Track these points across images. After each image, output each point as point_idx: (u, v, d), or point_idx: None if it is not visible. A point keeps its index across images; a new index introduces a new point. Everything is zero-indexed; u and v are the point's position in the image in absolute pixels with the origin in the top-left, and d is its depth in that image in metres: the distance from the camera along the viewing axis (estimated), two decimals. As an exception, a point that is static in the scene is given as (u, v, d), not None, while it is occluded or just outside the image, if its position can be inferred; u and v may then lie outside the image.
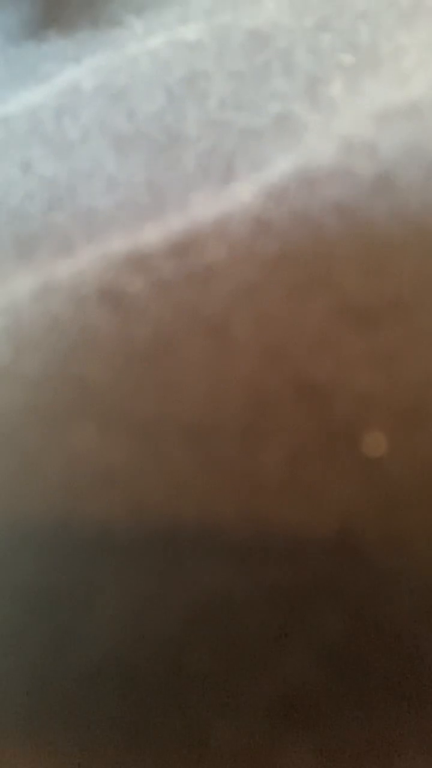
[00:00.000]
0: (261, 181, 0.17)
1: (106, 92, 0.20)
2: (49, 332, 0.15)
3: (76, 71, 0.21)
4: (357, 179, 0.17)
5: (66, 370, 0.15)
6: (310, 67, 0.20)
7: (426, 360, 0.15)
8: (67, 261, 0.16)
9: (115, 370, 0.15)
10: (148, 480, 0.14)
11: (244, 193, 0.17)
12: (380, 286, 0.15)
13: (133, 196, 0.17)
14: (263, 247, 0.16)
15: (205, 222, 0.16)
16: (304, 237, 0.16)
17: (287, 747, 0.12)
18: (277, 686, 0.13)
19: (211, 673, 0.13)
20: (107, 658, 0.13)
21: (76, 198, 0.18)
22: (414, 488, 0.13)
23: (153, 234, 0.16)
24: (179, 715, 0.12)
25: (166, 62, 0.21)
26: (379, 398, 0.14)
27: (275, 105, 0.19)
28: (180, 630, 0.13)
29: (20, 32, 0.22)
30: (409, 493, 0.13)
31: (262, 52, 0.21)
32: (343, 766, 0.12)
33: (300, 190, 0.17)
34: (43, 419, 0.14)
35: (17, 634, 0.13)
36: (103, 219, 0.17)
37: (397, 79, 0.19)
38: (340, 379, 0.14)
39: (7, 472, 0.14)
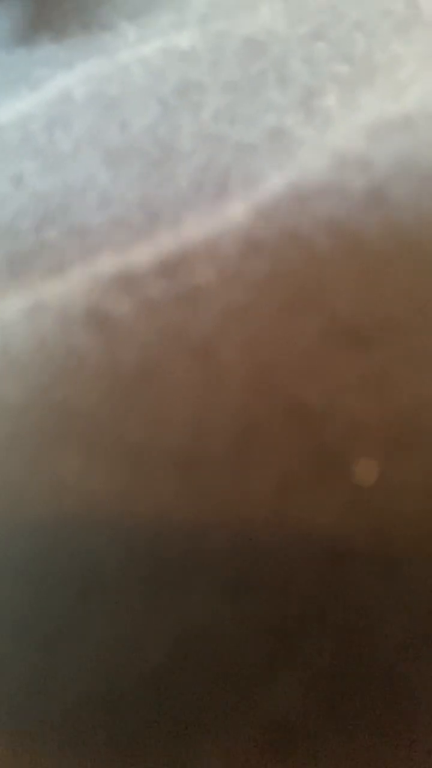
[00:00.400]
0: (253, 198, 0.17)
1: (99, 102, 0.20)
2: (36, 355, 0.15)
3: (68, 78, 0.21)
4: (349, 195, 0.17)
5: (51, 396, 0.15)
6: (305, 78, 0.20)
7: (417, 382, 0.14)
8: (57, 280, 0.16)
9: (101, 395, 0.14)
10: (136, 509, 0.14)
11: (236, 212, 0.16)
12: (372, 305, 0.15)
13: (125, 213, 0.17)
14: (253, 267, 0.16)
15: (195, 242, 0.16)
16: (295, 256, 0.16)
17: None
18: (264, 715, 0.13)
19: (199, 701, 0.13)
20: (95, 688, 0.13)
21: (69, 214, 0.18)
22: (403, 516, 0.13)
23: (143, 253, 0.16)
24: (167, 743, 0.12)
25: (159, 71, 0.20)
26: (370, 423, 0.14)
27: (270, 117, 0.19)
28: (168, 658, 0.13)
29: (12, 38, 0.21)
30: (399, 522, 0.13)
31: (257, 61, 0.20)
32: None
33: (292, 208, 0.16)
34: (28, 446, 0.14)
35: (4, 663, 0.13)
36: (95, 236, 0.17)
37: (391, 92, 0.19)
38: (330, 403, 0.14)
39: None
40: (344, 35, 0.21)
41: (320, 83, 0.20)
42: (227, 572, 0.13)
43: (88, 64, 0.21)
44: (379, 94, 0.19)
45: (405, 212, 0.16)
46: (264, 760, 0.12)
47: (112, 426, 0.14)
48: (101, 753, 0.12)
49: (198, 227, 0.16)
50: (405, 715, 0.13)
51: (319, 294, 0.15)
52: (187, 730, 0.12)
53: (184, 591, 0.13)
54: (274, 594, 0.13)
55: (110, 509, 0.14)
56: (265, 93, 0.20)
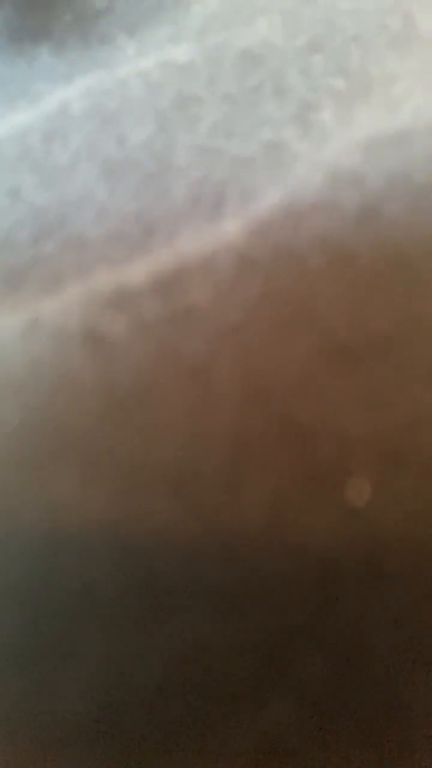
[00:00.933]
0: (248, 214, 0.17)
1: (96, 116, 0.20)
2: (31, 374, 0.15)
3: (66, 92, 0.21)
4: (343, 211, 0.17)
5: (46, 414, 0.15)
6: (301, 91, 0.20)
7: (411, 400, 0.15)
8: (53, 297, 0.16)
9: (96, 414, 0.15)
10: (130, 527, 0.14)
11: (230, 229, 0.17)
12: (365, 322, 0.15)
13: (122, 227, 0.17)
14: (248, 285, 0.16)
15: (190, 258, 0.16)
16: (288, 274, 0.16)
17: None
18: (259, 731, 0.13)
19: (193, 717, 0.13)
20: (90, 707, 0.13)
21: (66, 227, 0.18)
22: (395, 535, 0.13)
23: (139, 270, 0.16)
24: (161, 762, 0.13)
25: (156, 85, 0.21)
26: (363, 441, 0.14)
27: (266, 131, 0.19)
28: (163, 675, 0.13)
29: (10, 50, 0.22)
30: (391, 540, 0.13)
31: (254, 74, 0.21)
32: None
33: (286, 224, 0.17)
34: (23, 465, 0.14)
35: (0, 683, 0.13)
36: (91, 250, 0.17)
37: (386, 107, 0.19)
38: (324, 422, 0.14)
39: None
40: (340, 49, 0.21)
41: (316, 97, 0.20)
42: (221, 589, 0.13)
43: (86, 77, 0.21)
44: (374, 110, 0.19)
45: (398, 229, 0.16)
46: None
47: (107, 444, 0.14)
48: (101, 763, 0.13)
49: (193, 243, 0.17)
50: (398, 732, 0.13)
51: (313, 312, 0.15)
52: (180, 748, 0.13)
53: (178, 609, 0.13)
54: (266, 610, 0.13)
55: (105, 527, 0.14)
56: (262, 106, 0.20)
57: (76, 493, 0.14)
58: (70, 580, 0.13)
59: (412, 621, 0.13)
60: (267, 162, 0.18)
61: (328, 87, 0.20)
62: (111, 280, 0.16)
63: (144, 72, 0.21)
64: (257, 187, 0.18)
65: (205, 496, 0.14)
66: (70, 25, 0.22)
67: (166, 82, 0.21)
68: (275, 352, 0.15)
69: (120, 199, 0.18)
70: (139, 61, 0.21)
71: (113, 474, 0.14)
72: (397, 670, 0.13)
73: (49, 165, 0.19)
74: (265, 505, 0.14)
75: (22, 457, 0.15)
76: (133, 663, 0.13)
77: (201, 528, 0.14)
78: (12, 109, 0.21)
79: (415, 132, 0.18)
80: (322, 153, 0.18)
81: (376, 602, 0.13)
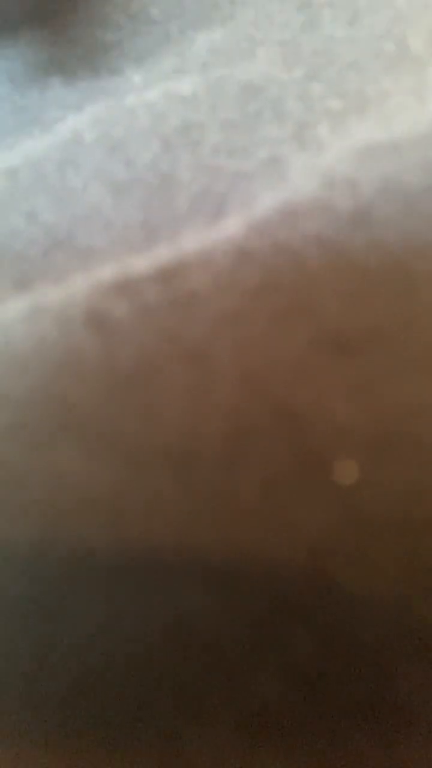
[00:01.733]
0: (247, 215, 0.18)
1: (106, 143, 0.21)
2: (35, 353, 0.16)
3: (78, 121, 0.22)
4: (337, 212, 0.18)
5: (50, 391, 0.15)
6: (300, 114, 0.21)
7: (400, 390, 0.15)
8: (58, 286, 0.17)
9: (98, 392, 0.15)
10: (129, 501, 0.14)
11: (229, 226, 0.17)
12: (357, 316, 0.16)
13: (127, 233, 0.18)
14: (246, 276, 0.16)
15: (191, 252, 0.17)
16: (285, 267, 0.16)
17: (255, 763, 0.13)
18: (247, 703, 0.13)
19: (184, 687, 0.13)
20: (86, 671, 0.13)
21: (75, 240, 0.19)
22: (383, 516, 0.14)
23: (141, 262, 0.17)
24: (153, 730, 0.13)
25: (162, 114, 0.22)
26: (353, 427, 0.15)
27: (265, 150, 0.20)
28: (156, 646, 0.13)
29: (25, 80, 0.23)
30: (379, 521, 0.14)
31: (254, 102, 0.22)
32: None
33: (283, 223, 0.17)
34: (28, 439, 0.15)
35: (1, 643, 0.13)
36: (98, 254, 0.18)
37: (380, 121, 0.20)
38: (316, 408, 0.15)
39: None
40: (337, 75, 0.22)
41: (314, 117, 0.21)
42: (214, 564, 0.14)
43: (96, 106, 0.22)
44: (368, 124, 0.20)
45: (389, 230, 0.17)
46: (246, 747, 0.13)
47: (108, 421, 0.15)
48: (90, 736, 0.13)
49: (194, 241, 0.17)
50: (387, 704, 0.13)
51: (308, 304, 0.16)
52: (171, 714, 0.13)
53: (172, 581, 0.13)
54: (257, 586, 0.13)
55: (104, 499, 0.14)
56: (262, 129, 0.21)
57: (79, 466, 0.15)
58: (71, 547, 0.14)
59: (400, 598, 0.13)
60: (266, 175, 0.19)
61: (325, 108, 0.21)
62: (114, 270, 0.17)
63: (150, 103, 0.22)
64: (256, 195, 0.19)
65: (201, 474, 0.14)
66: (80, 57, 0.23)
67: (171, 111, 0.22)
68: (271, 339, 0.15)
69: (126, 211, 0.19)
70: (145, 92, 0.22)
71: (114, 447, 0.15)
72: (383, 647, 0.13)
73: (62, 188, 0.20)
74: (257, 485, 0.14)
75: (28, 431, 0.15)
76: (127, 631, 0.13)
77: (197, 505, 0.14)
78: (28, 135, 0.22)
79: (406, 141, 0.19)
80: (317, 161, 0.19)
81: (364, 579, 0.13)
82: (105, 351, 0.16)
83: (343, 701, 0.13)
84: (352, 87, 0.21)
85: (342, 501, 0.14)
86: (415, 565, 0.14)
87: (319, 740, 0.13)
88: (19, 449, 0.15)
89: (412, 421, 0.15)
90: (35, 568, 0.14)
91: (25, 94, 0.23)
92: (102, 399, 0.15)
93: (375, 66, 0.22)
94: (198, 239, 0.17)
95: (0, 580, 0.14)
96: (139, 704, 0.13)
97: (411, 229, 0.17)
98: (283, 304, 0.16)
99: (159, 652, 0.13)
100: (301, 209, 0.18)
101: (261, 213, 0.18)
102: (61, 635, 0.13)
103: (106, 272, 0.17)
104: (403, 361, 0.15)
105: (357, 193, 0.18)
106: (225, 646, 0.13)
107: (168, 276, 0.17)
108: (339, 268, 0.16)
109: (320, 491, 0.14)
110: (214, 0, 0.24)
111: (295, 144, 0.20)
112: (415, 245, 0.17)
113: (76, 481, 0.14)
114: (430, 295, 0.16)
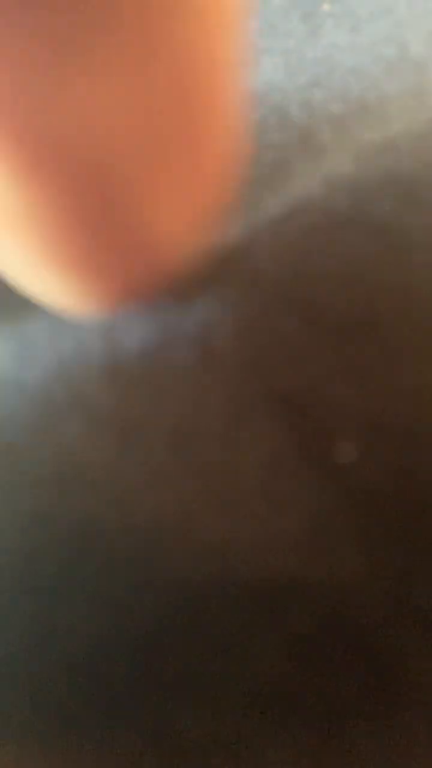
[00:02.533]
0: (246, 214, 0.18)
1: None
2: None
3: None
4: (336, 202, 0.18)
5: (57, 374, 0.16)
6: (303, 120, 0.21)
7: (394, 373, 0.15)
8: None
9: (102, 374, 0.16)
10: (131, 476, 0.15)
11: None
12: (354, 302, 0.16)
13: None
14: (245, 264, 0.17)
15: None
16: (284, 256, 0.17)
17: (258, 742, 0.13)
18: (249, 683, 0.13)
19: (183, 667, 0.13)
20: (84, 650, 0.13)
21: None
22: (381, 494, 0.14)
23: None
24: (152, 708, 0.13)
25: None
26: (350, 408, 0.15)
27: (269, 155, 0.21)
28: (155, 625, 0.13)
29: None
30: (377, 499, 0.14)
31: (258, 110, 0.22)
32: (321, 762, 0.13)
33: (281, 214, 0.18)
34: (36, 413, 0.16)
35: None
36: None
37: (380, 123, 0.20)
38: (313, 391, 0.15)
39: None
40: (339, 82, 0.22)
41: (317, 123, 0.21)
42: (213, 541, 0.14)
43: None
44: (369, 126, 0.20)
45: (387, 221, 0.18)
46: (248, 724, 0.13)
47: (113, 399, 0.15)
48: (86, 716, 0.13)
49: None
50: (388, 690, 0.13)
51: (306, 291, 0.16)
52: (171, 696, 0.13)
53: (172, 558, 0.14)
54: (257, 562, 0.14)
55: (107, 475, 0.15)
56: (266, 135, 0.21)
57: (83, 441, 0.15)
58: (71, 520, 0.14)
59: (399, 577, 0.14)
60: (270, 177, 0.20)
61: (327, 114, 0.21)
62: None
63: None
64: (259, 197, 0.19)
65: (203, 455, 0.15)
66: None
67: None
68: (271, 323, 0.16)
69: None
70: None
71: (118, 425, 0.15)
72: (384, 626, 0.13)
73: None
74: (260, 462, 0.15)
75: (33, 403, 0.16)
76: (128, 607, 0.14)
77: (198, 483, 0.14)
78: None
79: (406, 138, 0.20)
80: (319, 163, 0.20)
81: (363, 559, 0.14)
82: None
83: (345, 678, 0.13)
84: (354, 92, 0.22)
85: (339, 477, 0.14)
86: (412, 545, 0.14)
87: (315, 725, 0.13)
88: (27, 420, 0.16)
89: (404, 401, 0.15)
90: (35, 534, 0.14)
91: None
92: (108, 377, 0.16)
93: (376, 71, 0.22)
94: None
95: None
96: (135, 687, 0.13)
97: (408, 219, 0.18)
98: (281, 292, 0.16)
99: (155, 631, 0.13)
100: (300, 203, 0.18)
101: (260, 209, 0.18)
102: (58, 611, 0.14)
103: None
104: (397, 346, 0.16)
105: (357, 189, 0.18)
106: (223, 624, 0.13)
107: None
108: (337, 256, 0.17)
109: (319, 469, 0.14)
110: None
111: (298, 149, 0.21)
112: (413, 234, 0.17)
113: (80, 454, 0.15)
114: (427, 285, 0.17)
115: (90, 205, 0.12)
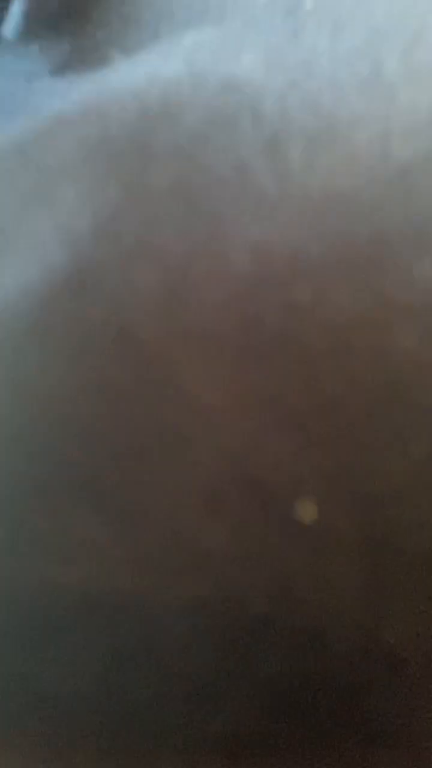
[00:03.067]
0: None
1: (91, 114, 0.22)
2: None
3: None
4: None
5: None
6: (276, 122, 0.22)
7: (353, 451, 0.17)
8: None
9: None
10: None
11: None
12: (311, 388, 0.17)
13: None
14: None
15: None
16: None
17: None
18: (220, 724, 0.15)
19: (154, 710, 0.15)
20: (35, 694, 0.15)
21: None
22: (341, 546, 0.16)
23: None
24: (130, 759, 0.14)
25: (143, 90, 0.22)
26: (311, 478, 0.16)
27: (240, 151, 0.21)
28: (126, 674, 0.15)
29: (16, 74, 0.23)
30: (339, 549, 0.16)
31: (234, 96, 0.22)
32: None
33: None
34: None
35: None
36: None
37: (347, 157, 0.21)
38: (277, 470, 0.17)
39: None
40: (314, 90, 0.23)
41: (286, 131, 0.22)
42: (188, 592, 0.16)
43: (82, 93, 0.23)
44: (336, 160, 0.21)
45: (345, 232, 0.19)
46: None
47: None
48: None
49: None
50: (356, 732, 0.15)
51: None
52: (142, 737, 0.15)
53: (144, 609, 0.15)
54: (228, 610, 0.15)
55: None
56: (240, 125, 0.22)
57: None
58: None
59: (366, 617, 0.15)
60: (236, 184, 0.20)
61: (298, 126, 0.22)
62: None
63: (133, 81, 0.23)
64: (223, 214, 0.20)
65: (183, 524, 0.16)
66: (72, 53, 0.23)
67: (152, 87, 0.22)
68: (247, 427, 0.17)
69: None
70: (129, 75, 0.23)
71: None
72: (348, 667, 0.15)
73: None
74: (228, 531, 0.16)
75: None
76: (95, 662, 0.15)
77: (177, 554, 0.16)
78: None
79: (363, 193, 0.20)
80: (286, 188, 0.20)
81: (326, 605, 0.15)
82: None
83: (312, 720, 0.15)
84: (327, 106, 0.22)
85: (303, 536, 0.16)
86: (374, 585, 0.16)
87: (291, 756, 0.15)
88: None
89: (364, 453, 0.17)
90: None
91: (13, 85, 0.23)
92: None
93: (350, 85, 0.23)
94: None
95: None
96: (112, 736, 0.15)
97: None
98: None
99: (121, 673, 0.15)
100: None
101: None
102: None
103: None
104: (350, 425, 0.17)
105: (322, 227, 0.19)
106: (196, 672, 0.15)
107: None
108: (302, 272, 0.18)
109: (282, 527, 0.16)
110: (205, 4, 0.24)
111: (266, 158, 0.21)
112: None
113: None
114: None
115: None
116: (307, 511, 0.16)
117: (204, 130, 0.21)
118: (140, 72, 0.23)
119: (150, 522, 0.16)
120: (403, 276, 0.18)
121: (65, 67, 0.23)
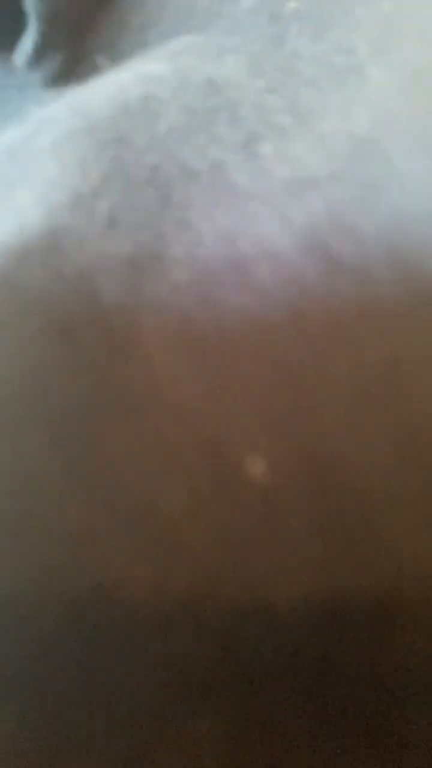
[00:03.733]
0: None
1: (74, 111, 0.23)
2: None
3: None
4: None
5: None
6: (252, 124, 0.23)
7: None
8: None
9: None
10: None
11: None
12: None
13: None
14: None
15: None
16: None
17: None
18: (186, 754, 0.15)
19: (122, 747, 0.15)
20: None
21: None
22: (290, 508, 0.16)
23: None
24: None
25: (126, 86, 0.23)
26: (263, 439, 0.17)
27: (214, 150, 0.22)
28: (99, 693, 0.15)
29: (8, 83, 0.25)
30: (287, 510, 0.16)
31: (214, 97, 0.23)
32: None
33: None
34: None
35: None
36: None
37: (317, 143, 0.22)
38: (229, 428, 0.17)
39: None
40: (294, 90, 0.23)
41: (263, 130, 0.22)
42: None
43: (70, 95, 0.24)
44: (307, 148, 0.22)
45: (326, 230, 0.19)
46: None
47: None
48: None
49: None
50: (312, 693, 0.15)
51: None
52: None
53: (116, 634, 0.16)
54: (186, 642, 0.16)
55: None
56: (216, 125, 0.22)
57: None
58: None
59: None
60: (210, 181, 0.21)
61: (275, 124, 0.23)
62: None
63: (118, 79, 0.24)
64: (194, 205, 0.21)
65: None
66: (62, 61, 0.25)
67: (136, 83, 0.23)
68: (213, 406, 0.18)
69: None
70: (114, 74, 0.24)
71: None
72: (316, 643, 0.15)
73: None
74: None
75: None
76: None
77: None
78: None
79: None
80: (257, 187, 0.21)
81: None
82: None
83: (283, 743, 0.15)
84: (304, 105, 0.23)
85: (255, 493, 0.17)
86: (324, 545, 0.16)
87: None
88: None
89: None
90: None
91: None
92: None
93: (329, 85, 0.23)
94: None
95: None
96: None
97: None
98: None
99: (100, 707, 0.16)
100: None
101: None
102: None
103: None
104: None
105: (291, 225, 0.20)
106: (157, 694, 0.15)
107: None
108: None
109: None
110: (191, 11, 0.25)
111: (240, 155, 0.22)
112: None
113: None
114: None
115: None
116: (258, 469, 0.17)
117: (182, 127, 0.22)
118: (125, 71, 0.24)
119: (104, 478, 0.17)
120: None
121: (56, 77, 0.24)
